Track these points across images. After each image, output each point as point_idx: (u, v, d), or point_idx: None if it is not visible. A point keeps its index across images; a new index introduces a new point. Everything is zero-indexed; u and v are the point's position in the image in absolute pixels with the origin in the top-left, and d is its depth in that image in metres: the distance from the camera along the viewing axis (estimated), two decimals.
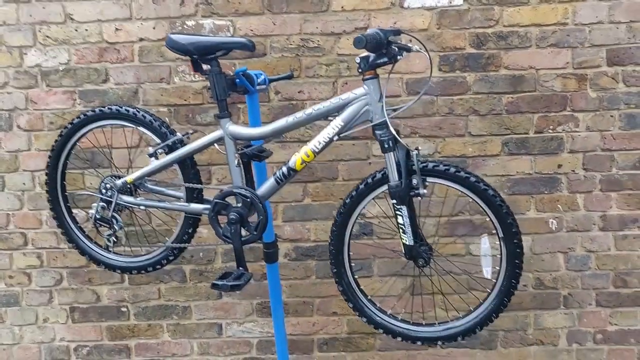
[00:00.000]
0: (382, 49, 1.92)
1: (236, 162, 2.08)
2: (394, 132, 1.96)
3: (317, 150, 2.04)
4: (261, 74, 2.28)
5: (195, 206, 2.17)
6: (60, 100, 2.80)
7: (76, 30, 2.74)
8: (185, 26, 2.72)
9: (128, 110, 2.18)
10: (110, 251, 2.30)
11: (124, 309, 2.98)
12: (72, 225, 2.38)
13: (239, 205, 2.07)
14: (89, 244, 2.38)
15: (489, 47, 2.69)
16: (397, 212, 1.98)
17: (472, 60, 2.70)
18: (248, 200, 2.05)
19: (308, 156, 2.04)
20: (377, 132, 1.99)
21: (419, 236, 2.05)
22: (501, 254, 2.07)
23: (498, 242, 2.06)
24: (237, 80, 2.09)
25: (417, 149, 2.01)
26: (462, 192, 2.03)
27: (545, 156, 2.77)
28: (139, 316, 2.98)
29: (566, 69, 2.70)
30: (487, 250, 2.11)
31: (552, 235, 2.84)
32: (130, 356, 3.02)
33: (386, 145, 1.97)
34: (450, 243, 2.82)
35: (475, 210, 2.78)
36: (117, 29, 2.74)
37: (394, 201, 1.98)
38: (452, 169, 2.00)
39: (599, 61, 2.68)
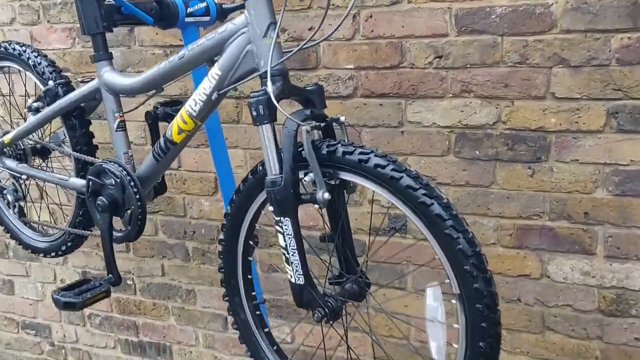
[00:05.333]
0: None
1: (116, 123, 1.49)
2: (269, 89, 1.17)
3: (193, 113, 1.35)
4: (201, 1, 1.63)
5: (75, 181, 1.63)
6: (60, 39, 2.45)
7: None
8: None
9: (14, 49, 1.71)
10: (25, 225, 1.90)
11: (129, 282, 2.61)
12: None
13: (113, 186, 1.48)
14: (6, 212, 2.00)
15: None
16: (277, 228, 1.22)
17: None
18: (118, 180, 1.45)
19: (185, 123, 1.37)
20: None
21: (350, 266, 1.27)
22: (459, 324, 1.16)
23: (455, 302, 1.17)
24: (122, 7, 1.47)
25: (332, 119, 1.21)
26: (390, 202, 1.17)
27: None
28: (144, 292, 2.59)
29: None
30: (435, 311, 1.21)
31: None
32: (138, 334, 2.67)
33: (254, 112, 1.20)
34: (514, 257, 1.90)
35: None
36: None
37: (271, 208, 1.22)
38: (374, 159, 1.15)
39: None
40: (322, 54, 2.01)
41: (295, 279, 1.23)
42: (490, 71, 1.81)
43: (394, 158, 1.18)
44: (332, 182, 1.22)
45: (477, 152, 1.89)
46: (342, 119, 1.26)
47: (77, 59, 2.42)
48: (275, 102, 1.16)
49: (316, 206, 1.18)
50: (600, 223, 1.79)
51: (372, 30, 1.92)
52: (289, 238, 1.20)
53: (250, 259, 1.44)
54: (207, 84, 1.32)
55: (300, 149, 1.19)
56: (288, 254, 1.22)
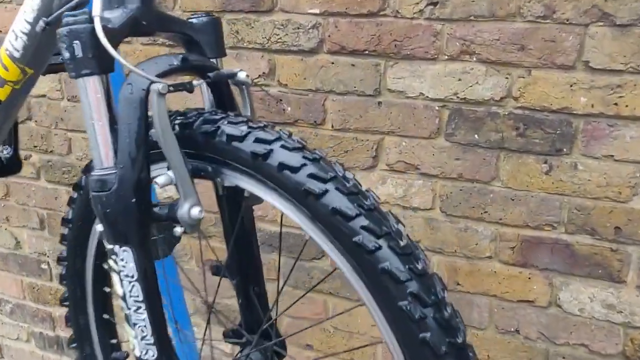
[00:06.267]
0: None
1: None
2: (96, 11, 0.67)
3: (15, 53, 0.87)
4: None
5: None
6: None
7: None
8: None
9: None
10: None
11: (44, 266, 2.15)
12: None
13: None
14: None
15: None
16: (111, 263, 0.76)
17: None
18: None
19: (7, 69, 0.88)
20: None
21: (254, 320, 0.80)
22: None
23: None
24: None
25: (220, 74, 0.74)
26: (306, 233, 0.69)
27: None
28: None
29: None
30: None
31: None
32: (55, 328, 2.22)
33: (66, 53, 0.70)
34: (516, 276, 1.45)
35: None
36: None
37: (99, 228, 0.76)
38: (280, 153, 0.66)
39: None
40: None
41: (140, 352, 0.76)
42: (502, 27, 1.32)
43: (319, 154, 0.69)
44: (223, 184, 0.74)
45: (476, 135, 1.40)
46: (243, 75, 0.77)
47: None
48: (102, 36, 0.66)
49: (179, 230, 0.71)
50: (636, 243, 1.32)
51: None
52: (129, 283, 0.73)
53: (107, 289, 0.98)
54: (29, 7, 0.82)
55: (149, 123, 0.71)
56: (128, 308, 0.75)
